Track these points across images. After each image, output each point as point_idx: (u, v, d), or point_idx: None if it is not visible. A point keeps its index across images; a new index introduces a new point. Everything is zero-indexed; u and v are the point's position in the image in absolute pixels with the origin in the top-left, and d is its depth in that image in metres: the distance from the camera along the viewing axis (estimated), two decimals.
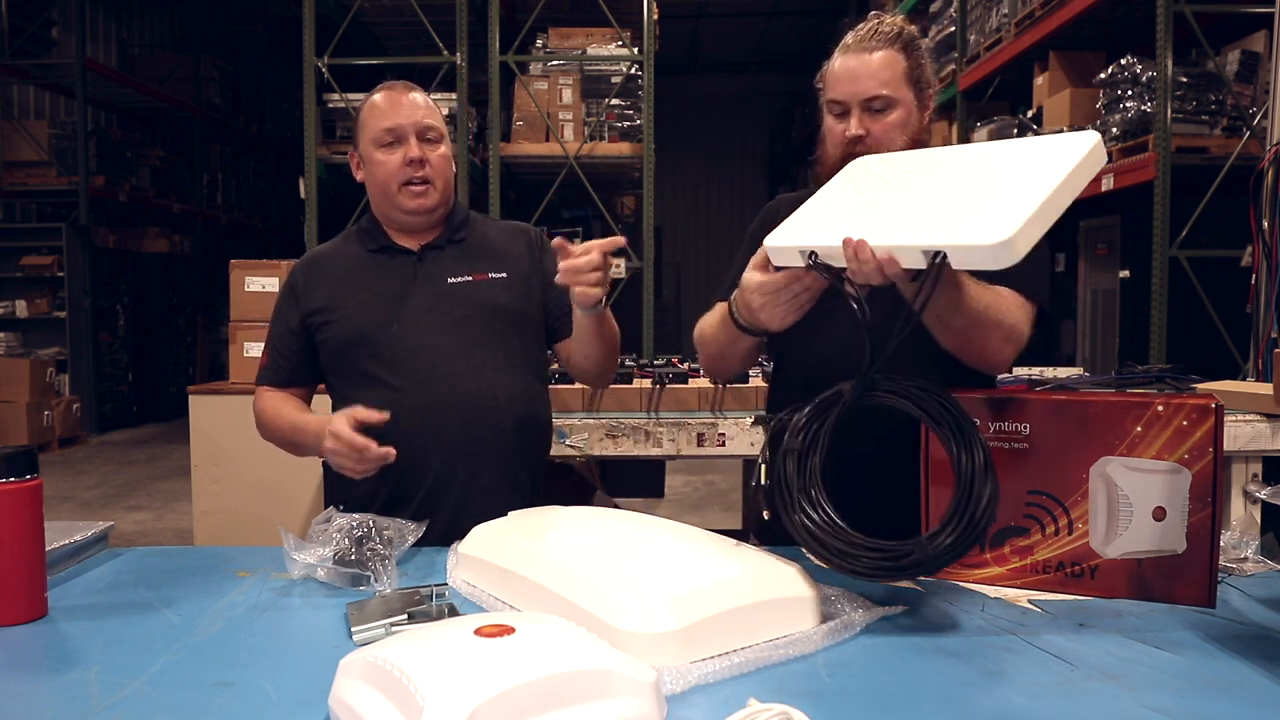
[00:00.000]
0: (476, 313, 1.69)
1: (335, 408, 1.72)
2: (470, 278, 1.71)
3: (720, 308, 1.52)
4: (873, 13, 1.63)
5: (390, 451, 1.45)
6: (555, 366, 1.85)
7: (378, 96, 1.72)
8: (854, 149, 1.50)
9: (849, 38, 1.55)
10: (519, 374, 1.70)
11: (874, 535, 1.44)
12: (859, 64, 1.51)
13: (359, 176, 1.76)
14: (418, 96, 1.70)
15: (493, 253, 1.75)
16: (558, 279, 1.51)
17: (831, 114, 1.56)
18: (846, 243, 1.15)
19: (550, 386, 1.86)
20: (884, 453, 1.41)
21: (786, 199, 1.76)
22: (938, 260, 1.09)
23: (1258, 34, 4.42)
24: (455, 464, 1.63)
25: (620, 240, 1.54)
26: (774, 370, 1.73)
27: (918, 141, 1.53)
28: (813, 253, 1.21)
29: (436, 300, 1.69)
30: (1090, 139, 1.15)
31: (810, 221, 1.31)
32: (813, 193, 1.64)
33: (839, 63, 1.54)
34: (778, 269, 1.29)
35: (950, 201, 1.17)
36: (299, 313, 1.71)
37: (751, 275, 1.32)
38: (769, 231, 1.71)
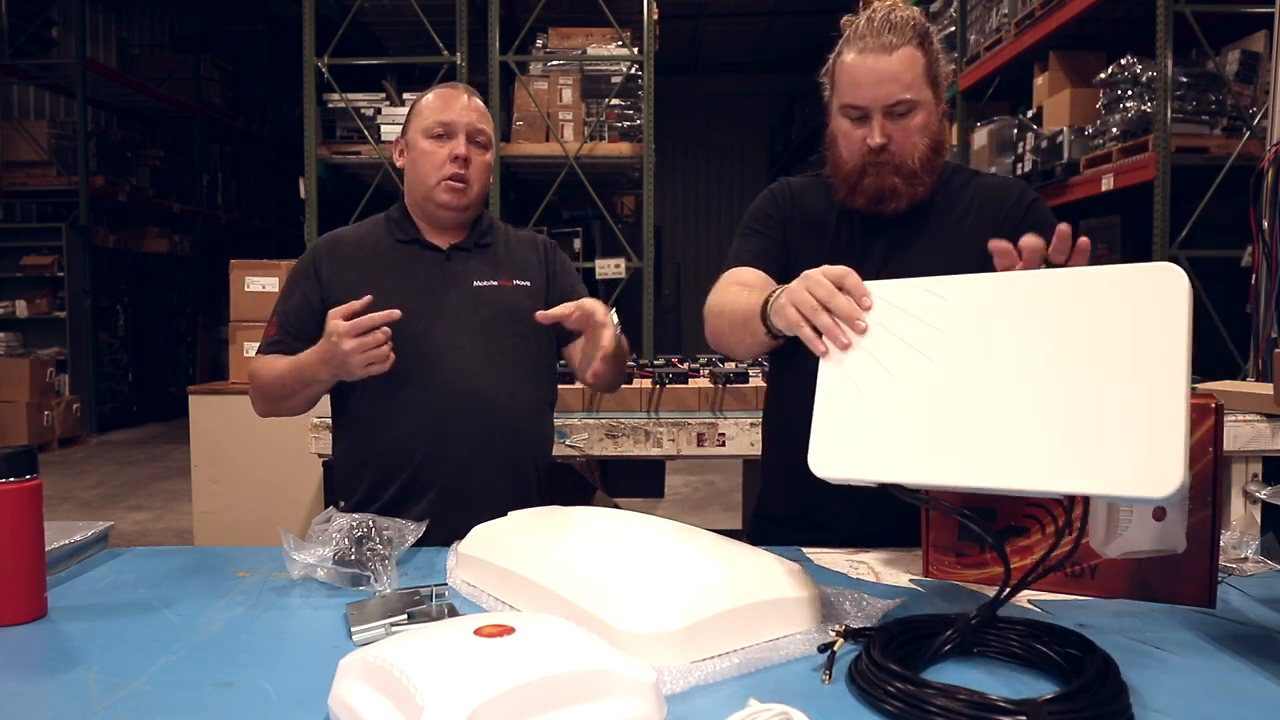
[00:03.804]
0: (500, 317, 1.71)
1: (345, 397, 1.71)
2: (496, 282, 1.73)
3: (750, 299, 1.33)
4: (878, 2, 1.47)
5: (394, 313, 1.47)
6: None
7: (439, 90, 1.76)
8: (877, 158, 1.45)
9: (861, 27, 1.43)
10: (535, 380, 1.73)
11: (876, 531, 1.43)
12: (879, 65, 1.40)
13: (400, 163, 1.77)
14: (477, 101, 1.75)
15: (516, 260, 1.78)
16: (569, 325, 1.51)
17: (848, 118, 1.46)
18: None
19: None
20: None
21: (794, 184, 1.68)
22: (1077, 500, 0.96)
23: (1258, 34, 4.41)
24: (470, 463, 1.64)
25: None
26: (772, 372, 1.73)
27: (937, 142, 1.48)
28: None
29: (462, 301, 1.70)
30: (1167, 281, 0.89)
31: (859, 422, 1.03)
32: (818, 180, 1.61)
33: (854, 61, 1.42)
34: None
35: (1047, 409, 0.92)
36: (321, 292, 1.69)
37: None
38: (773, 215, 1.67)
